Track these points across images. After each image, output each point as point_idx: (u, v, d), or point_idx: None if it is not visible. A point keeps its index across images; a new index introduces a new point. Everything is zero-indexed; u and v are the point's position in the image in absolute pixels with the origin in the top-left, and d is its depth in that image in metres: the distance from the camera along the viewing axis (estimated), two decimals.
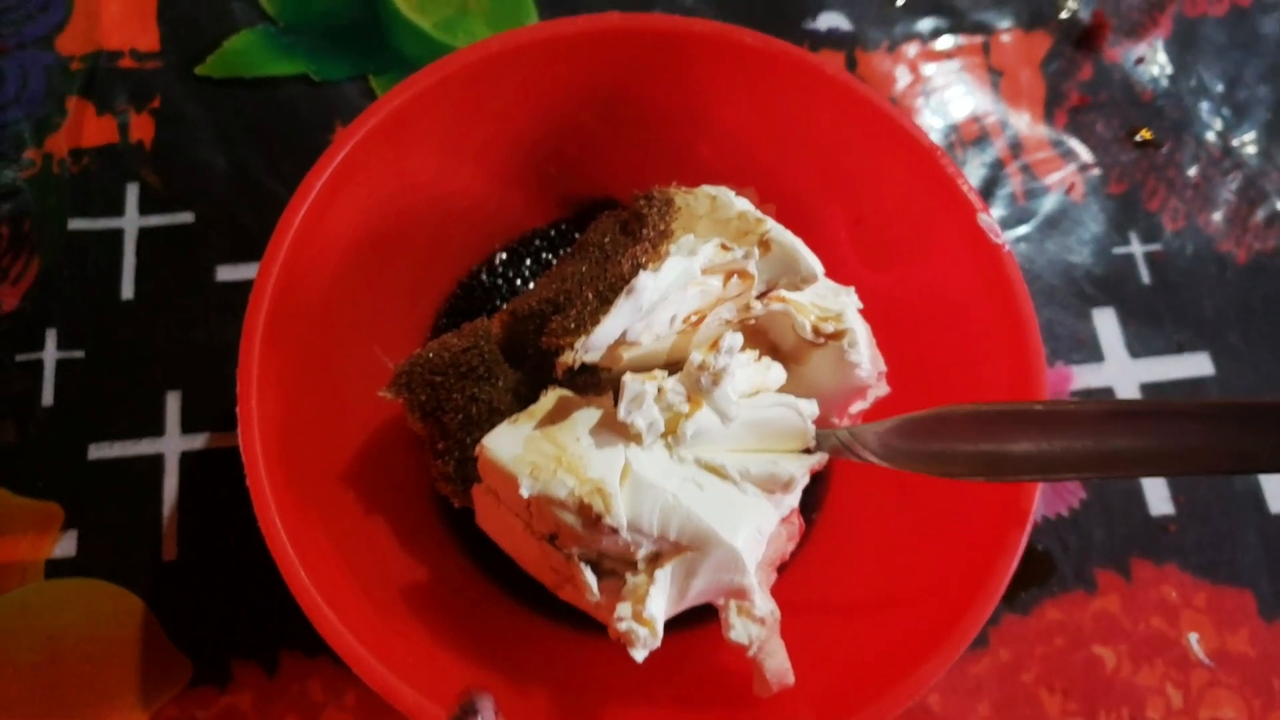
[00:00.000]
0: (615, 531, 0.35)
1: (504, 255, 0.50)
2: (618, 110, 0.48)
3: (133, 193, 0.54)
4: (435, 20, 0.58)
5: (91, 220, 0.53)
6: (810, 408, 0.39)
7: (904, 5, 0.61)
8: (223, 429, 0.50)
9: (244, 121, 0.56)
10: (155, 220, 0.53)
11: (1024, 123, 0.59)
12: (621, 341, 0.39)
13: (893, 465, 0.39)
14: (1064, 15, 0.60)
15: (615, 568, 0.36)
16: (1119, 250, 0.57)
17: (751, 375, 0.39)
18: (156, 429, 0.49)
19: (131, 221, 0.53)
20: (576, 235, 0.50)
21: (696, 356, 0.37)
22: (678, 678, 0.42)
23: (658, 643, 0.35)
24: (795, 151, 0.48)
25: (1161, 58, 0.61)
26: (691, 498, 0.35)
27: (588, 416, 0.37)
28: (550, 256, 0.50)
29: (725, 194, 0.42)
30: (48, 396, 0.50)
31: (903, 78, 0.59)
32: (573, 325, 0.39)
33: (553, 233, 0.51)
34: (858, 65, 0.60)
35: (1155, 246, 0.57)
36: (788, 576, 0.43)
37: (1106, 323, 0.55)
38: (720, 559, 0.36)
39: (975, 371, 0.44)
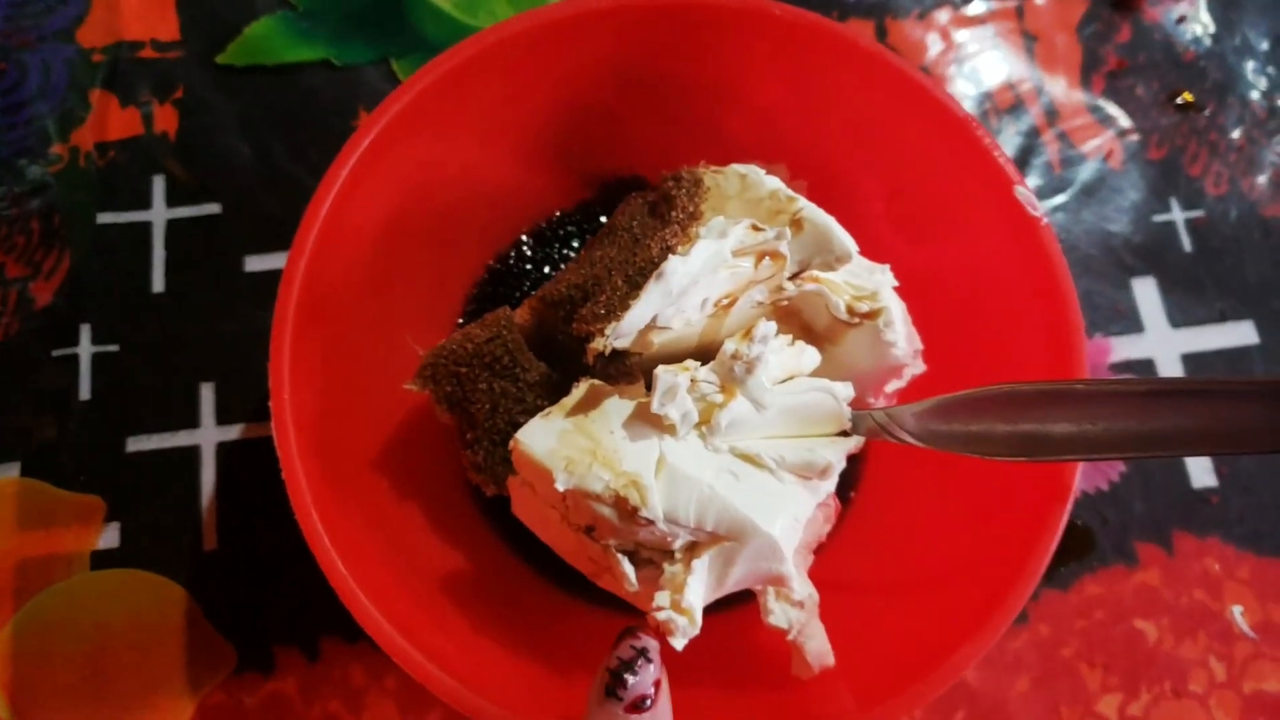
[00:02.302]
0: (651, 523, 0.34)
1: (531, 238, 0.50)
2: (642, 87, 0.47)
3: (159, 185, 0.54)
4: (455, 0, 0.57)
5: (120, 214, 0.53)
6: (845, 391, 0.39)
7: None
8: (257, 419, 0.50)
9: (267, 109, 0.55)
10: (182, 212, 0.53)
11: (1060, 89, 0.57)
12: (652, 326, 0.38)
13: (931, 446, 0.38)
14: None
15: (653, 557, 0.36)
16: (1159, 218, 0.56)
17: (785, 360, 0.38)
18: (192, 421, 0.50)
19: (159, 214, 0.53)
20: (603, 216, 0.50)
21: (730, 345, 0.36)
22: (718, 659, 0.42)
23: (697, 631, 0.35)
24: (827, 126, 0.47)
25: (1204, 15, 0.59)
26: (728, 488, 0.35)
27: (620, 408, 0.37)
28: (577, 239, 0.50)
29: (756, 173, 0.42)
30: (84, 391, 0.50)
31: (934, 45, 0.58)
32: (603, 311, 0.39)
33: (579, 214, 0.50)
34: (888, 34, 0.58)
35: (1197, 213, 0.56)
36: (825, 557, 0.43)
37: (1146, 292, 0.54)
38: (758, 548, 0.35)
39: (1014, 348, 0.43)
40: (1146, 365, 0.53)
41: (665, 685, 0.35)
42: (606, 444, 0.36)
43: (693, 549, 0.36)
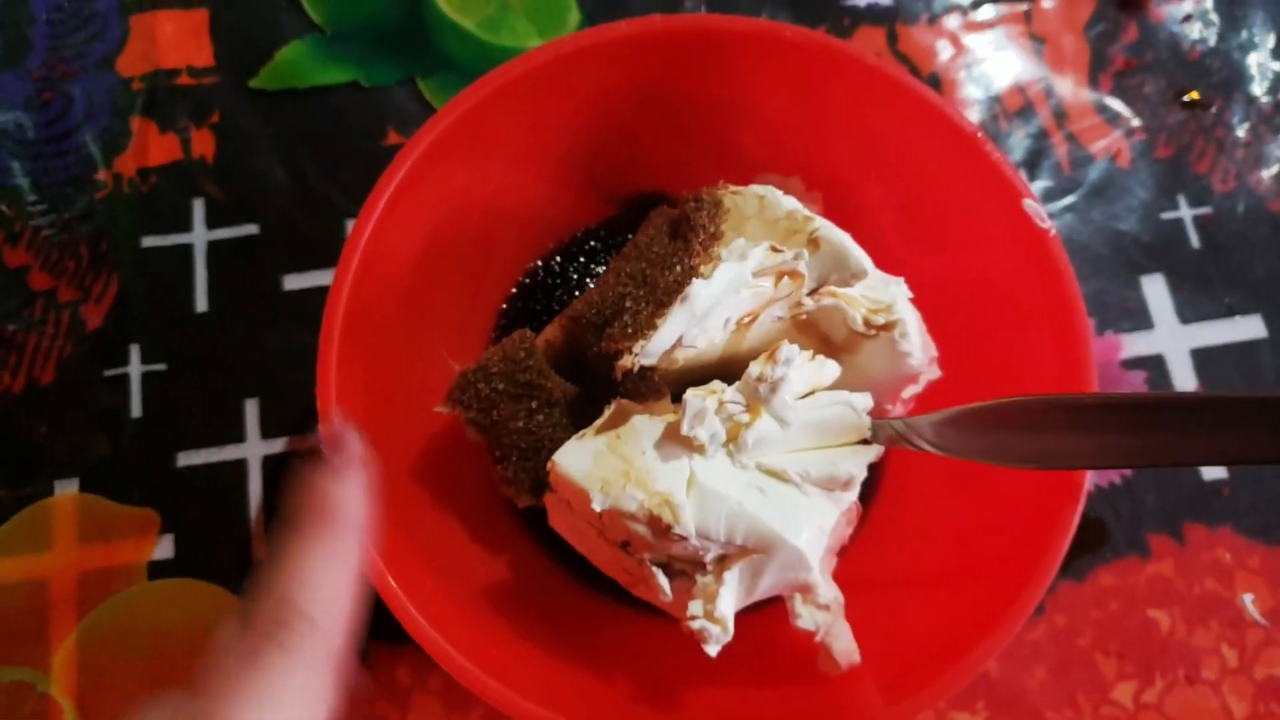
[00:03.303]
0: (684, 539, 0.36)
1: (559, 255, 0.51)
2: (662, 108, 0.49)
3: (199, 208, 0.56)
4: (478, 20, 0.59)
5: (163, 237, 0.55)
6: (864, 402, 0.41)
7: None
8: (300, 433, 0.52)
9: (299, 131, 0.57)
10: (222, 233, 0.55)
11: (1068, 90, 0.58)
12: (677, 345, 0.40)
13: (947, 455, 0.40)
14: None
15: (685, 569, 0.38)
16: (1167, 215, 0.57)
17: (807, 375, 0.40)
18: (238, 435, 0.52)
19: (200, 236, 0.55)
20: (628, 231, 0.51)
21: (755, 368, 0.38)
22: (749, 657, 0.43)
23: (729, 637, 0.37)
24: (839, 140, 0.48)
25: (1209, 13, 0.60)
26: (755, 503, 0.37)
27: (651, 428, 0.39)
28: (603, 254, 0.51)
29: (773, 194, 0.43)
30: (136, 409, 0.52)
31: (944, 50, 0.59)
32: (630, 330, 0.40)
33: (604, 230, 0.52)
34: (898, 40, 0.59)
35: (1205, 209, 0.57)
36: (848, 557, 0.44)
37: (1156, 289, 0.55)
38: (785, 559, 0.37)
39: (1025, 356, 0.45)
40: (1157, 361, 0.54)
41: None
42: (639, 465, 0.37)
43: (723, 561, 0.38)
